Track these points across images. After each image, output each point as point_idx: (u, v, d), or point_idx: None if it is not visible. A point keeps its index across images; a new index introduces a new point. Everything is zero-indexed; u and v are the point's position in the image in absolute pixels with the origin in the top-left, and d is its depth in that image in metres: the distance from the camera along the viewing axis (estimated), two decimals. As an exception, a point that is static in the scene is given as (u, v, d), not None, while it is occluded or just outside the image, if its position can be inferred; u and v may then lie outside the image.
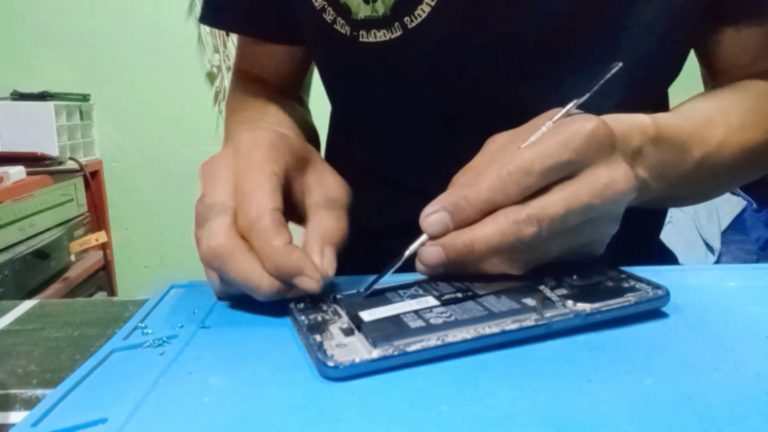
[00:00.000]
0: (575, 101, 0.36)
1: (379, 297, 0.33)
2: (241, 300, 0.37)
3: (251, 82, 0.61)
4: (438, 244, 0.33)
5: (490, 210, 0.33)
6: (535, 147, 0.33)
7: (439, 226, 0.33)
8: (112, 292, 1.92)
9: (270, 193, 0.33)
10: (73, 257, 1.65)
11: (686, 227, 1.71)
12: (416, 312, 0.31)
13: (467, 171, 0.37)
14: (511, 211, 0.32)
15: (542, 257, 0.34)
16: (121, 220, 2.01)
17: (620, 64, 0.36)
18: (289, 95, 0.62)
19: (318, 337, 0.30)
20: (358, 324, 0.30)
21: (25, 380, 0.30)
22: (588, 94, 0.36)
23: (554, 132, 0.34)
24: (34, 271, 1.46)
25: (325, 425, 0.24)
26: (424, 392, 0.26)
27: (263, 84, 0.61)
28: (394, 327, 0.29)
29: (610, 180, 0.33)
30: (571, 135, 0.33)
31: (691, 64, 0.52)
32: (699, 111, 0.46)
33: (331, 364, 0.27)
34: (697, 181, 0.45)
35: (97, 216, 1.88)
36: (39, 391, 0.28)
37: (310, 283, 0.32)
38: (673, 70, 0.50)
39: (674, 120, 0.43)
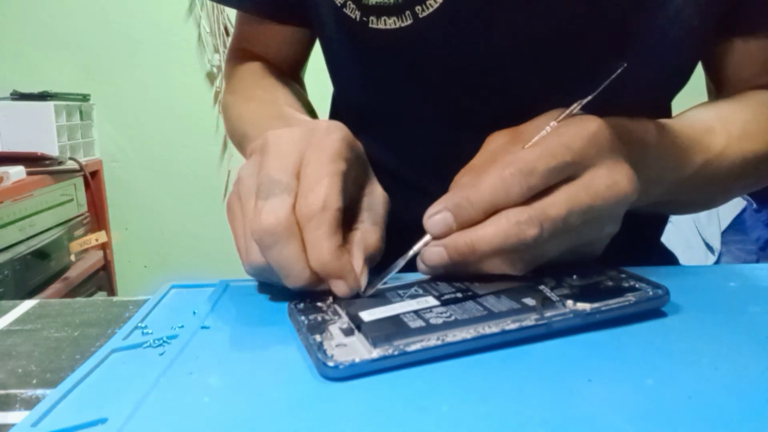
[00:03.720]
0: (579, 102, 0.36)
1: (379, 297, 0.33)
2: (241, 300, 0.37)
3: (253, 60, 0.60)
4: (441, 244, 0.33)
5: (492, 210, 0.33)
6: (537, 148, 0.33)
7: (442, 227, 0.33)
8: (112, 292, 1.92)
9: (338, 190, 0.33)
10: (73, 257, 1.65)
11: (686, 227, 1.71)
12: (416, 312, 0.31)
13: (468, 171, 0.37)
14: (513, 212, 0.32)
15: (542, 258, 0.34)
16: (121, 220, 2.01)
17: (625, 65, 0.36)
18: (290, 76, 0.61)
19: (318, 337, 0.30)
20: (358, 324, 0.30)
21: (25, 380, 0.30)
22: (592, 95, 0.36)
23: (556, 133, 0.34)
24: (34, 271, 1.46)
25: (325, 425, 0.24)
26: (424, 392, 0.26)
27: (265, 63, 0.60)
28: (394, 327, 0.29)
29: (612, 181, 0.33)
30: (573, 136, 0.33)
31: (694, 76, 0.52)
32: (700, 119, 0.46)
33: (331, 364, 0.27)
34: (697, 188, 0.45)
35: (97, 216, 1.87)
36: (39, 391, 0.28)
37: (344, 289, 0.33)
38: (681, 79, 0.51)
39: (676, 126, 0.43)
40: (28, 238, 1.50)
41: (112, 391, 0.27)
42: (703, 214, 1.72)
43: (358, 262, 0.34)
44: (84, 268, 1.73)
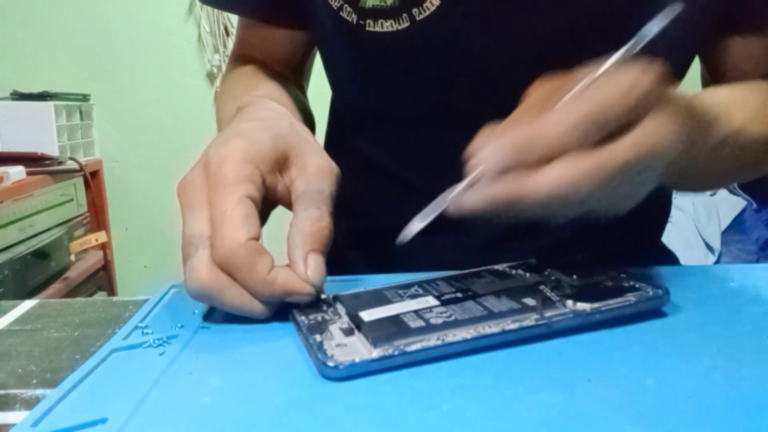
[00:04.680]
0: (623, 49, 0.33)
1: (379, 297, 0.33)
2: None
3: (248, 63, 0.60)
4: (491, 186, 0.30)
5: (550, 155, 0.30)
6: (600, 93, 0.31)
7: (502, 164, 0.30)
8: (112, 292, 1.92)
9: (242, 222, 0.32)
10: (73, 257, 1.65)
11: (686, 227, 1.71)
12: (416, 312, 0.31)
13: (515, 120, 0.33)
14: (573, 160, 0.30)
15: (585, 208, 0.32)
16: (121, 220, 2.01)
17: (682, 5, 0.34)
18: (292, 79, 0.61)
19: (318, 337, 0.30)
20: (358, 324, 0.30)
21: (25, 380, 0.30)
22: (640, 44, 0.33)
23: (615, 80, 0.32)
24: (34, 271, 1.46)
25: (325, 425, 0.24)
26: (424, 392, 0.26)
27: (261, 65, 0.59)
28: (394, 327, 0.29)
29: (669, 131, 0.32)
30: (635, 81, 0.31)
31: (690, 70, 0.52)
32: (719, 97, 0.46)
33: (331, 364, 0.27)
34: (716, 162, 0.44)
35: (97, 216, 1.87)
36: (39, 391, 0.28)
37: (302, 298, 0.33)
38: (680, 74, 0.51)
39: (701, 98, 0.42)
40: (28, 238, 1.50)
41: (112, 391, 0.27)
42: (703, 214, 1.72)
43: (300, 268, 0.33)
44: (84, 268, 1.73)
